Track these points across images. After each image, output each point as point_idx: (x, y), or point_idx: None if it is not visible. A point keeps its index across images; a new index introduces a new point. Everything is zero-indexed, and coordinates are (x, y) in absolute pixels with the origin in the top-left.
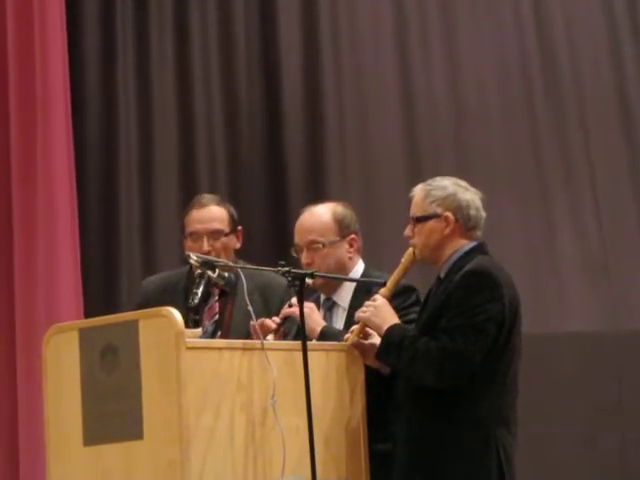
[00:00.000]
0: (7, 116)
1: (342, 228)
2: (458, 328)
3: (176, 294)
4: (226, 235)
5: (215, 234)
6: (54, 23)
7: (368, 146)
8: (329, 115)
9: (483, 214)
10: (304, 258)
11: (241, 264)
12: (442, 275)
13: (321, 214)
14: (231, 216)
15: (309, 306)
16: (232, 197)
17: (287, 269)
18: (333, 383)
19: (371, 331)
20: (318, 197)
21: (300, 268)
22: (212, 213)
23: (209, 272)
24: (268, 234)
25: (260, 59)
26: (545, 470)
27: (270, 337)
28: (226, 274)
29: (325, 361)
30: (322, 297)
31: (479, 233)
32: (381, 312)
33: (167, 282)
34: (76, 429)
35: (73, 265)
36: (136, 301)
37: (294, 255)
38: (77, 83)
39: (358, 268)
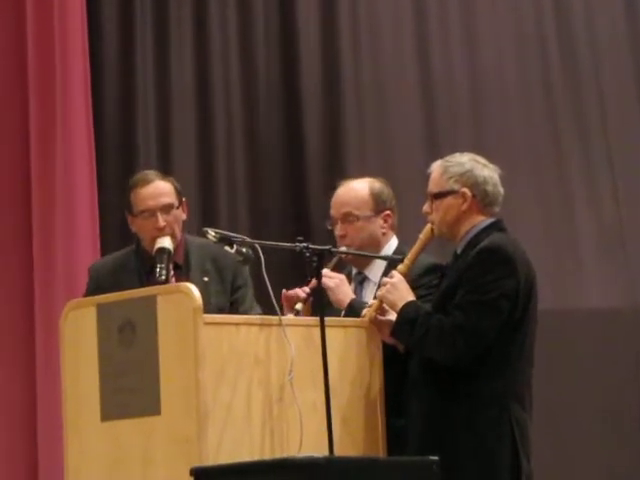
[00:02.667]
0: (26, 96)
1: (378, 203)
2: (471, 304)
3: (128, 274)
4: (176, 208)
5: (167, 208)
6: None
7: (386, 124)
8: (347, 93)
9: (501, 190)
10: (338, 230)
11: (189, 236)
12: (459, 251)
13: (358, 188)
14: (176, 188)
15: (339, 277)
16: (249, 177)
17: (305, 245)
18: (351, 359)
19: (388, 307)
20: (336, 175)
21: (332, 242)
22: (160, 188)
23: (227, 247)
24: (285, 213)
25: (278, 37)
26: (563, 445)
27: (299, 306)
28: (244, 249)
29: (343, 337)
30: (354, 271)
31: (497, 209)
32: (397, 289)
33: (116, 263)
34: (93, 405)
35: (92, 241)
36: (89, 287)
37: (329, 227)
38: (95, 52)
39: (391, 244)
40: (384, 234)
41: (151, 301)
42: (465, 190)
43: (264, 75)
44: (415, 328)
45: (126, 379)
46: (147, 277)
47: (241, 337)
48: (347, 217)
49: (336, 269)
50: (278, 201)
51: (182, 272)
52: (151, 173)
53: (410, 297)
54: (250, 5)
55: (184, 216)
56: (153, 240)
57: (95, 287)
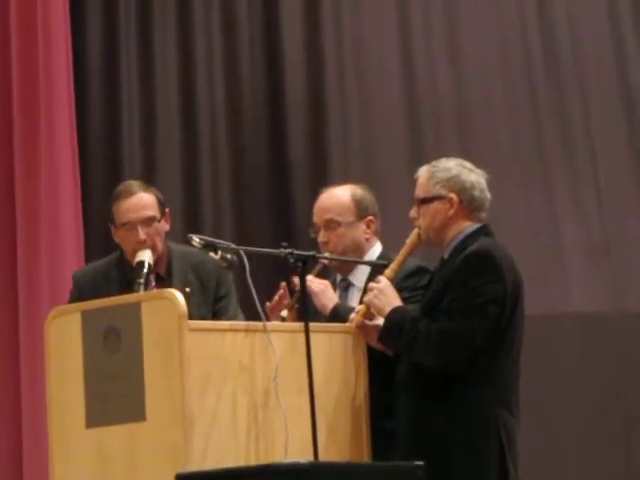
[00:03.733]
0: (10, 96)
1: (360, 209)
2: (459, 309)
3: (109, 283)
4: (158, 221)
5: (148, 221)
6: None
7: (370, 132)
8: (331, 101)
9: (488, 195)
10: (321, 237)
11: (172, 245)
12: (446, 256)
13: (340, 195)
14: (159, 200)
15: (323, 283)
16: (234, 186)
17: (289, 251)
18: (336, 365)
19: (375, 312)
20: (320, 183)
21: (316, 249)
22: (142, 201)
23: (211, 253)
24: (270, 220)
25: (263, 48)
26: (549, 448)
27: (284, 313)
28: (229, 256)
29: (328, 343)
30: (338, 277)
31: (484, 214)
32: (384, 294)
33: (98, 272)
34: (79, 411)
35: (76, 247)
36: (73, 295)
37: (312, 235)
38: (80, 62)
39: (375, 250)
40: (367, 240)
41: (136, 307)
42: (452, 195)
43: (248, 84)
44: (403, 333)
45: (111, 385)
46: (128, 288)
47: (226, 343)
48: (330, 223)
49: (320, 276)
50: (263, 208)
51: (164, 283)
52: (134, 184)
53: (397, 302)
54: (234, 18)
55: (167, 227)
56: (134, 252)
57: (78, 295)
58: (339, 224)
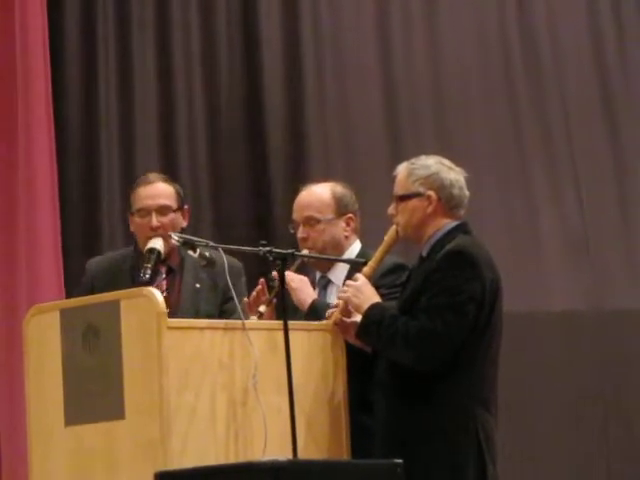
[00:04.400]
0: None
1: (340, 207)
2: (437, 308)
3: (122, 274)
4: (174, 212)
5: (163, 210)
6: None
7: (349, 128)
8: (310, 98)
9: (466, 193)
10: (300, 233)
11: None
12: (424, 254)
13: (320, 192)
14: (178, 193)
15: (301, 279)
16: (213, 183)
17: (268, 249)
18: (315, 363)
19: (353, 310)
20: (300, 180)
21: (296, 246)
22: (160, 189)
23: (190, 251)
24: (249, 217)
25: (240, 31)
26: (529, 447)
27: (262, 308)
28: (207, 253)
29: (307, 341)
30: (318, 275)
31: (462, 212)
32: (362, 292)
33: (112, 263)
34: (57, 410)
35: (54, 245)
36: (84, 283)
37: (292, 231)
38: (57, 55)
39: (354, 247)
40: (347, 237)
41: (114, 306)
42: (431, 193)
43: (227, 81)
44: (381, 330)
45: (90, 384)
46: (139, 279)
47: (205, 341)
48: (309, 220)
49: (299, 272)
50: (242, 206)
51: (175, 276)
52: (155, 175)
53: (375, 299)
54: (213, 10)
55: (184, 223)
56: (147, 240)
57: (89, 283)
58: (318, 221)
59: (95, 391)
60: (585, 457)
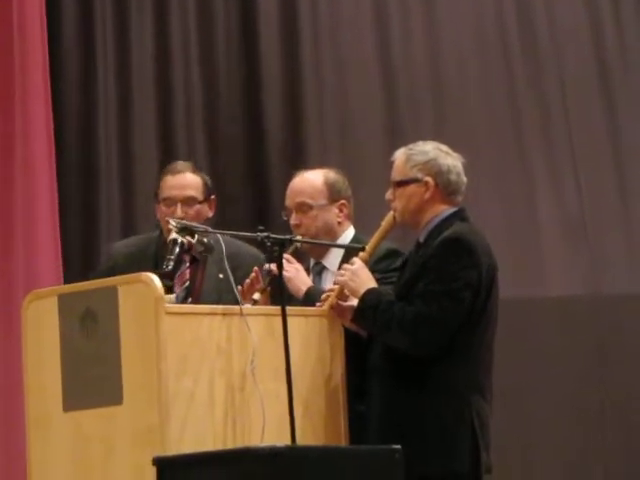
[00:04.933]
0: None
1: (332, 193)
2: (433, 294)
3: (145, 260)
4: (200, 203)
5: (189, 201)
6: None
7: (347, 113)
8: (308, 83)
9: (464, 179)
10: (292, 220)
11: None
12: (421, 240)
13: (312, 178)
14: (205, 184)
15: (296, 267)
16: (211, 164)
17: (266, 234)
18: (313, 348)
19: (349, 294)
20: (297, 165)
21: (290, 232)
22: (187, 180)
23: (188, 237)
24: (247, 203)
25: (238, 28)
26: (526, 433)
27: (257, 296)
28: (205, 240)
29: (305, 326)
30: (312, 262)
31: (460, 198)
32: (358, 276)
33: (136, 248)
34: (56, 395)
35: (52, 230)
36: (105, 264)
37: (284, 218)
38: (54, 45)
39: (348, 233)
40: (340, 223)
41: (112, 291)
42: (428, 179)
43: (224, 67)
44: (377, 315)
45: (88, 369)
46: (161, 265)
47: (203, 327)
48: (301, 206)
49: (293, 257)
50: (240, 192)
51: (199, 266)
52: (184, 164)
53: (372, 284)
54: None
55: (210, 213)
56: (170, 230)
57: (112, 265)
58: (311, 207)
59: (93, 376)
60: (582, 442)
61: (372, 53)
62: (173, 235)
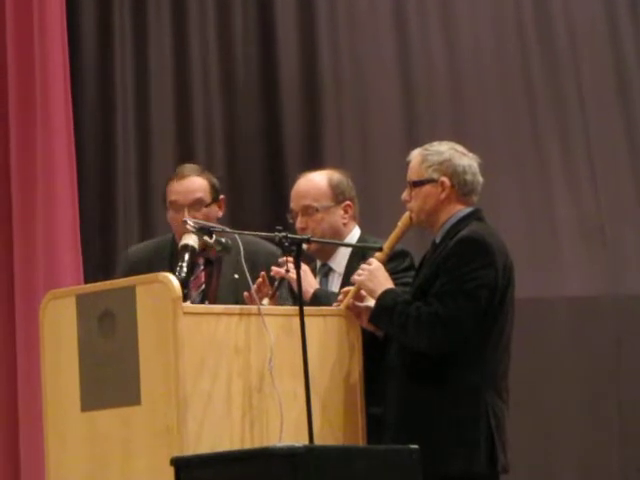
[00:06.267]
0: (6, 86)
1: (337, 194)
2: (450, 294)
3: (161, 263)
4: (207, 205)
5: (196, 204)
6: None
7: (365, 111)
8: (326, 80)
9: (480, 179)
10: (298, 223)
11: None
12: (437, 240)
13: (316, 180)
14: (212, 186)
15: (303, 268)
16: (228, 165)
17: (284, 234)
18: (330, 348)
19: (366, 294)
20: (315, 163)
21: (296, 234)
22: (193, 183)
23: (205, 237)
24: (264, 202)
25: (256, 22)
26: (543, 433)
27: (265, 302)
28: (223, 240)
29: (323, 326)
30: (318, 263)
31: (475, 198)
32: (375, 276)
33: (151, 251)
34: (73, 395)
35: (72, 230)
36: (121, 270)
37: (290, 221)
38: (74, 47)
39: (353, 234)
40: (345, 225)
41: (130, 291)
42: (444, 179)
43: (242, 69)
44: (394, 315)
45: (106, 369)
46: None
47: (221, 327)
48: (307, 209)
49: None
50: (257, 192)
51: (214, 267)
52: (189, 167)
53: (389, 284)
54: (229, 1)
55: (220, 213)
56: (180, 235)
57: (129, 270)
58: (316, 210)
59: (111, 377)
60: (599, 443)
61: (390, 55)
62: (184, 241)
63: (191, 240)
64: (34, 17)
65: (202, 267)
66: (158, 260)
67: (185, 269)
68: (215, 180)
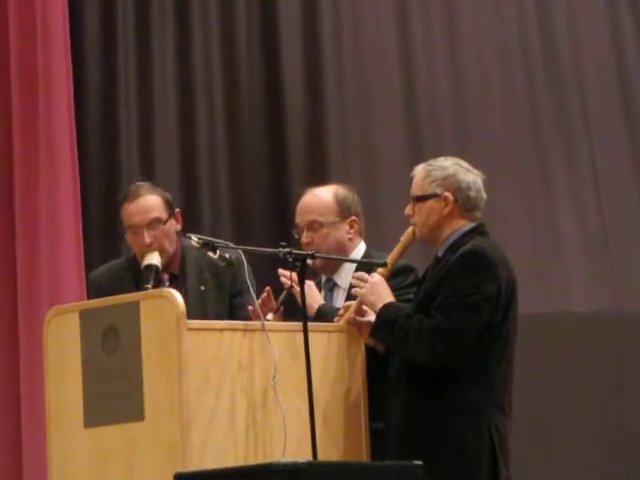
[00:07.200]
0: (9, 86)
1: (343, 209)
2: (452, 307)
3: (125, 282)
4: (164, 222)
5: (153, 224)
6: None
7: (369, 125)
8: (330, 98)
9: (484, 195)
10: (304, 238)
11: (187, 243)
12: (440, 254)
13: (322, 195)
14: (166, 201)
15: (307, 283)
16: (232, 179)
17: (288, 250)
18: (333, 364)
19: (367, 308)
20: (319, 177)
21: (301, 249)
22: (147, 203)
23: (210, 253)
24: (269, 216)
25: (260, 40)
26: (543, 452)
27: (270, 316)
28: (227, 255)
29: (326, 342)
30: (323, 279)
31: (479, 214)
32: (377, 290)
33: (113, 273)
34: (77, 411)
35: (75, 245)
36: (90, 297)
37: (296, 236)
38: (78, 56)
39: (359, 249)
40: (351, 240)
41: (134, 307)
42: (447, 194)
43: (246, 79)
44: (395, 329)
45: (110, 385)
46: (141, 288)
47: (225, 343)
48: (312, 224)
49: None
50: (261, 207)
51: (179, 281)
52: (140, 187)
53: (390, 298)
54: (232, 4)
55: (178, 227)
56: (143, 255)
57: (97, 295)
58: (322, 225)
59: (115, 392)
60: (603, 460)
61: (394, 66)
62: (147, 261)
63: (154, 259)
64: (37, 19)
65: (167, 283)
66: (122, 280)
67: (151, 289)
68: (167, 195)
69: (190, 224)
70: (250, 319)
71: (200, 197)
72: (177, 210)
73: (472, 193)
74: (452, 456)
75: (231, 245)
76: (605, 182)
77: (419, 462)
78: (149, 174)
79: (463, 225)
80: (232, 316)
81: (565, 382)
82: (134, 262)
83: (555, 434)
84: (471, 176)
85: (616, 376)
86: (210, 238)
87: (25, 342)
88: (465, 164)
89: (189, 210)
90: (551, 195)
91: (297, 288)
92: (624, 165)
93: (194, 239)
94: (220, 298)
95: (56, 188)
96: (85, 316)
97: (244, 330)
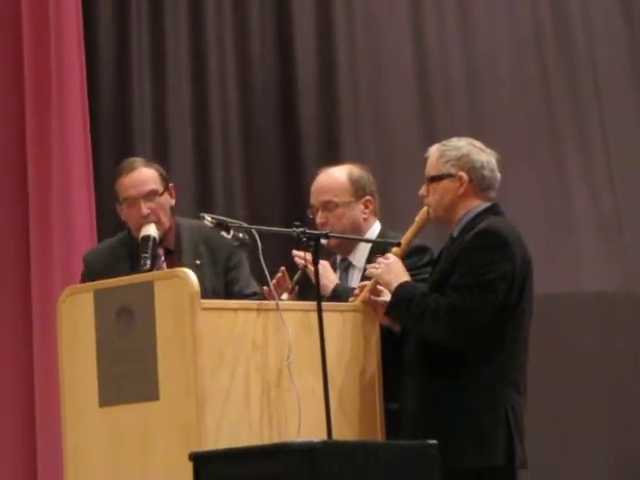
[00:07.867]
0: (22, 88)
1: (357, 189)
2: (467, 286)
3: (119, 261)
4: (160, 195)
5: (150, 195)
6: None
7: (383, 108)
8: (343, 80)
9: (498, 175)
10: (318, 218)
11: (181, 220)
12: (455, 234)
13: (337, 175)
14: (161, 175)
15: (322, 263)
16: (246, 166)
17: (302, 229)
18: (348, 343)
19: (382, 288)
20: (333, 158)
21: (316, 229)
22: (143, 175)
23: (224, 232)
24: (282, 197)
25: (273, 26)
26: (559, 432)
27: (285, 296)
28: (240, 234)
29: (341, 321)
30: (338, 258)
31: (493, 194)
32: (392, 269)
33: (107, 252)
34: (91, 391)
35: (89, 226)
36: (82, 275)
37: (310, 216)
38: (91, 44)
39: (374, 229)
40: (365, 220)
41: (148, 287)
42: (462, 174)
43: (259, 63)
44: (411, 308)
45: (124, 365)
46: (138, 264)
47: (239, 322)
48: (327, 204)
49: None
50: (274, 187)
51: (174, 257)
52: (135, 160)
53: (405, 277)
54: (246, 2)
55: (172, 201)
56: (139, 228)
57: (89, 274)
58: (337, 205)
59: (129, 372)
60: (618, 440)
61: (407, 47)
62: (144, 232)
63: (151, 230)
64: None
65: (163, 258)
66: (116, 260)
67: (149, 260)
68: (162, 169)
69: (204, 206)
70: (243, 293)
71: (214, 179)
72: (171, 185)
73: (486, 172)
74: (467, 435)
75: (244, 225)
76: (618, 160)
77: (434, 442)
78: (162, 159)
79: (478, 205)
80: (226, 291)
81: (579, 362)
82: (128, 240)
83: (570, 414)
84: (485, 156)
85: (629, 355)
86: (223, 218)
87: (39, 323)
88: (479, 144)
89: (203, 192)
90: (564, 174)
91: (311, 268)
92: (637, 143)
93: (207, 219)
94: (215, 273)
95: (68, 168)
96: (99, 296)
97: (258, 310)
